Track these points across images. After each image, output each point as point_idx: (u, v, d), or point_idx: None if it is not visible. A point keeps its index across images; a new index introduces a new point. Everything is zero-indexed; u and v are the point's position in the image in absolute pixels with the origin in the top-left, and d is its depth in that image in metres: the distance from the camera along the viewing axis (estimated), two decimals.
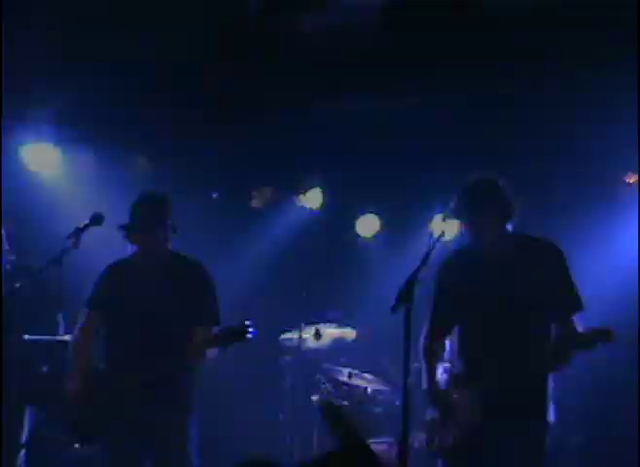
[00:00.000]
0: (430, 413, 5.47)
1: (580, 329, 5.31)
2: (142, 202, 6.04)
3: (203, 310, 5.93)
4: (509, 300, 5.37)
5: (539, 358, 5.28)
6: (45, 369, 6.35)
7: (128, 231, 5.93)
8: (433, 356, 5.58)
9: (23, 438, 6.41)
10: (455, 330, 5.58)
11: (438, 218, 8.75)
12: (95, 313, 5.91)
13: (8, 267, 6.65)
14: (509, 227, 5.43)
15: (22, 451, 6.38)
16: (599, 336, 5.09)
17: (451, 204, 5.43)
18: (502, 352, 5.33)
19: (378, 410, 8.13)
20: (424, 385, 5.53)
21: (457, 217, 5.43)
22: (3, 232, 6.77)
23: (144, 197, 6.10)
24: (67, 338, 6.31)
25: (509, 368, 5.25)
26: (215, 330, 5.78)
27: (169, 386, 5.77)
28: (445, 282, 5.58)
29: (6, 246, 6.77)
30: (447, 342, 5.65)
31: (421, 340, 5.60)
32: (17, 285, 5.75)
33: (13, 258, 6.75)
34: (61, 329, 6.58)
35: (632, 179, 8.56)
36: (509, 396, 5.25)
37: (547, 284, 5.35)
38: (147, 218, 5.94)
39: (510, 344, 5.32)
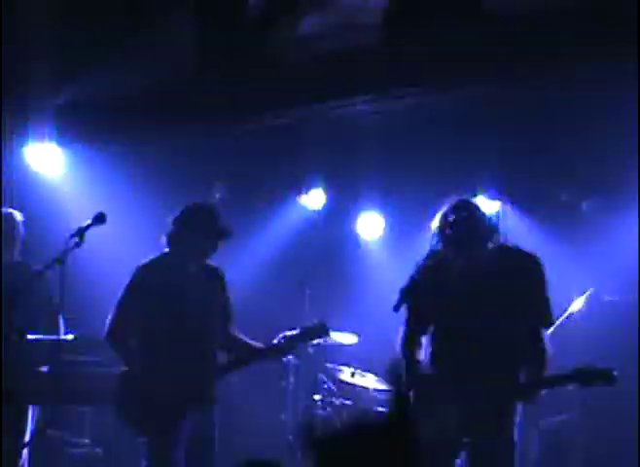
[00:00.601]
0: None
1: (547, 344, 5.33)
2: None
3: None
4: (479, 307, 5.36)
5: (508, 371, 5.29)
6: (45, 369, 6.34)
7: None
8: (412, 354, 5.52)
9: (27, 438, 6.40)
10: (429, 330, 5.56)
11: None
12: None
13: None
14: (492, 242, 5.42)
15: (25, 451, 6.37)
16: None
17: (435, 224, 5.44)
18: (470, 358, 5.32)
19: (381, 409, 8.14)
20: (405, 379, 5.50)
21: (440, 237, 5.42)
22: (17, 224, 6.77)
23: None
24: (69, 337, 6.31)
25: (478, 375, 5.26)
26: (298, 330, 6.08)
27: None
28: (422, 282, 5.47)
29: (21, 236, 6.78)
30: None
31: (398, 339, 5.56)
32: (20, 285, 5.76)
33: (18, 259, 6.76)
34: (62, 329, 6.58)
35: None
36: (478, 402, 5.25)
37: (521, 296, 5.34)
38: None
39: (478, 352, 5.31)
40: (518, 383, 5.29)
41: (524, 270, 5.37)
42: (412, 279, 5.14)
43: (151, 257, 6.12)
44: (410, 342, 5.49)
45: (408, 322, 5.50)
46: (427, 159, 8.65)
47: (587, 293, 7.92)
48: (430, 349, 5.47)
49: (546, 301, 5.36)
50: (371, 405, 8.18)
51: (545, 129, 8.04)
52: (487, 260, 5.37)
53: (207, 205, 6.36)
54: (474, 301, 5.32)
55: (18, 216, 6.76)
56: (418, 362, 5.44)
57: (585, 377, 5.04)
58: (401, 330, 5.54)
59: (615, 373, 5.00)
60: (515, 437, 5.34)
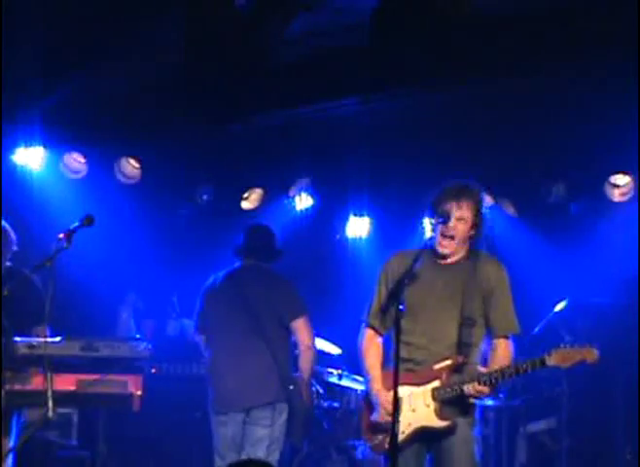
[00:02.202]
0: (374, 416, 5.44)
1: (506, 351, 5.38)
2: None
3: None
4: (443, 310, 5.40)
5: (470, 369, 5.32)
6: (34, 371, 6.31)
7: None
8: (370, 354, 5.55)
9: (10, 443, 6.37)
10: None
11: (428, 219, 8.76)
12: None
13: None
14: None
15: (10, 457, 6.33)
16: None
17: (431, 203, 5.41)
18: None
19: None
20: (365, 386, 5.55)
21: (433, 218, 5.40)
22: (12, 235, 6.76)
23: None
24: (57, 339, 6.29)
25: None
26: None
27: None
28: (391, 281, 5.48)
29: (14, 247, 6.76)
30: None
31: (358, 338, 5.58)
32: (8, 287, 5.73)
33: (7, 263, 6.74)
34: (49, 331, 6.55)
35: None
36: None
37: (487, 301, 5.39)
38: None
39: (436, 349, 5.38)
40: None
41: (493, 276, 5.45)
42: (403, 281, 5.13)
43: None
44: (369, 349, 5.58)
45: (370, 320, 5.58)
46: (415, 160, 8.66)
47: (565, 302, 7.93)
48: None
49: (510, 307, 5.46)
50: (358, 407, 8.18)
51: (533, 131, 8.05)
52: (465, 260, 5.44)
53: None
54: (441, 302, 5.43)
55: (12, 232, 6.76)
56: None
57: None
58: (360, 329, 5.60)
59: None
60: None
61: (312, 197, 9.75)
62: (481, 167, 8.34)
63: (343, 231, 9.96)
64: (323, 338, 8.49)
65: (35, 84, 7.81)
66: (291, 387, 6.78)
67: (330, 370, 8.29)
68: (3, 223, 6.77)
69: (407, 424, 5.32)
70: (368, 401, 5.50)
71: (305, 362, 6.84)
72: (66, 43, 7.76)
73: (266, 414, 6.66)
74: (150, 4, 7.78)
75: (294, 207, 9.77)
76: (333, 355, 8.55)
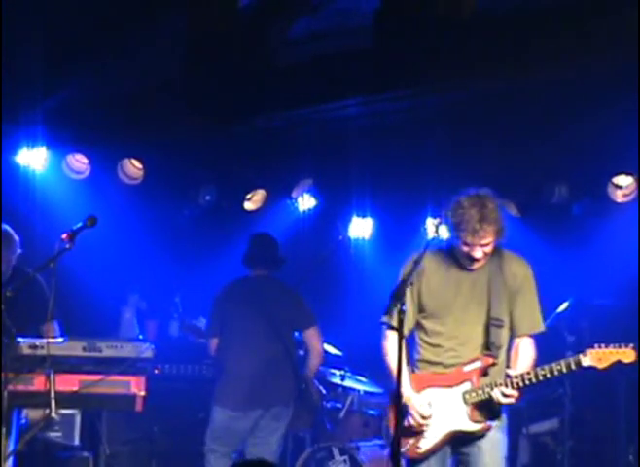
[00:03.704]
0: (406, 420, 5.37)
1: (530, 350, 5.37)
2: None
3: None
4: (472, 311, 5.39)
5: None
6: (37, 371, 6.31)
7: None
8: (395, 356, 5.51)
9: (11, 444, 6.36)
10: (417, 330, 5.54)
11: (431, 220, 8.76)
12: None
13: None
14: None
15: (11, 458, 6.33)
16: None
17: (447, 215, 5.33)
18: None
19: (371, 412, 8.14)
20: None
21: (455, 233, 5.31)
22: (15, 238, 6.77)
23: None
24: (60, 340, 6.29)
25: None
26: None
27: None
28: (416, 281, 5.39)
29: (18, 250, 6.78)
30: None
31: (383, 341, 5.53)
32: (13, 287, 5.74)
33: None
34: (57, 332, 6.56)
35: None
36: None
37: (513, 299, 5.38)
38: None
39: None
40: None
41: (521, 277, 5.44)
42: (405, 282, 5.11)
43: None
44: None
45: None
46: (418, 161, 8.66)
47: (567, 303, 7.92)
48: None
49: (536, 305, 5.45)
50: (361, 408, 8.18)
51: (536, 131, 8.04)
52: (489, 263, 5.42)
53: None
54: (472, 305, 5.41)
55: (14, 235, 6.77)
56: None
57: None
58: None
59: None
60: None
61: (315, 198, 9.75)
62: (484, 168, 8.34)
63: (346, 232, 9.95)
64: (325, 338, 8.51)
65: (38, 84, 7.81)
66: (303, 386, 7.60)
67: (332, 370, 8.29)
68: (6, 226, 6.78)
69: (439, 428, 5.31)
70: (396, 404, 5.28)
71: (315, 365, 7.58)
72: (69, 43, 7.77)
73: (285, 411, 7.37)
74: (153, 5, 7.79)
75: (296, 208, 9.77)
76: (335, 356, 8.55)
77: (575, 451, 8.26)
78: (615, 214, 8.44)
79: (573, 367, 5.13)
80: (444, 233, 5.46)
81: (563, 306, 7.84)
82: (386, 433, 7.74)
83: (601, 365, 5.11)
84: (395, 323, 5.21)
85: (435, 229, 5.50)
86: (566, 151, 8.24)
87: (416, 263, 5.19)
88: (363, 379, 8.33)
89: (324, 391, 8.22)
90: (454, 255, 5.42)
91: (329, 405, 8.22)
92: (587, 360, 5.09)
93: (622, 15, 6.11)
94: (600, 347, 5.11)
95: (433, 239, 5.43)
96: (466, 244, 5.26)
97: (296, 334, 7.59)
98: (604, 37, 6.26)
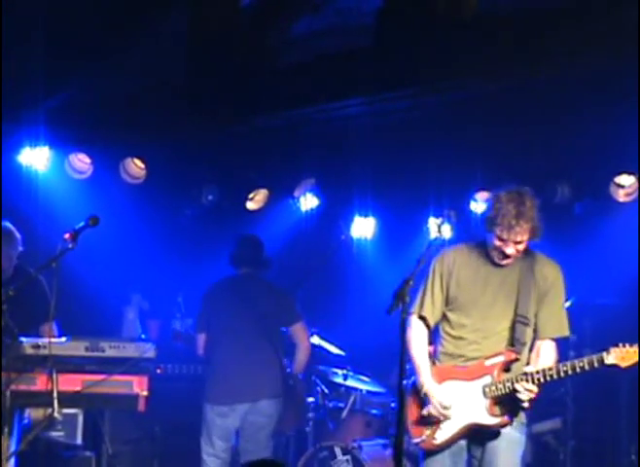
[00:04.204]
0: (426, 409, 5.41)
1: (553, 352, 5.37)
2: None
3: None
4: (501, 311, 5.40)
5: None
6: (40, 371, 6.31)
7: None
8: (418, 346, 5.51)
9: (13, 444, 6.36)
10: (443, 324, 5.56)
11: (433, 220, 8.76)
12: None
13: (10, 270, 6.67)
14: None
15: (13, 458, 6.33)
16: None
17: (488, 212, 5.34)
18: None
19: (374, 411, 8.14)
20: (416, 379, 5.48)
21: (489, 227, 5.32)
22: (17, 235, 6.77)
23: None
24: (63, 340, 6.29)
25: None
26: None
27: None
28: (446, 273, 5.49)
29: (19, 248, 6.78)
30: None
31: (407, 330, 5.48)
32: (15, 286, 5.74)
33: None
34: (55, 333, 6.56)
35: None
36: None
37: (540, 301, 5.39)
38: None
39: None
40: None
41: (551, 279, 5.50)
42: (408, 281, 5.11)
43: None
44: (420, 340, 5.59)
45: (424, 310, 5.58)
46: (420, 160, 8.66)
47: (569, 302, 7.92)
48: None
49: (562, 309, 5.50)
50: (363, 407, 8.18)
51: (538, 131, 8.04)
52: (521, 263, 5.45)
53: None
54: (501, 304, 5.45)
55: (16, 232, 6.77)
56: None
57: None
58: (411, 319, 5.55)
59: None
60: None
61: (317, 197, 9.76)
62: (486, 167, 8.35)
63: (348, 231, 9.96)
64: (327, 337, 8.51)
65: (40, 84, 7.81)
66: (291, 382, 7.82)
67: (335, 370, 8.30)
68: (7, 224, 6.78)
69: (456, 420, 5.32)
70: (415, 394, 5.43)
71: (302, 360, 7.74)
72: (71, 43, 7.76)
73: (272, 406, 7.46)
74: (154, 4, 7.79)
75: (299, 208, 9.78)
76: (338, 355, 8.56)
77: (577, 451, 8.26)
78: (617, 213, 8.44)
79: (595, 364, 5.11)
80: (447, 232, 5.46)
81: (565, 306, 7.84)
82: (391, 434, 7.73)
83: (624, 364, 5.10)
84: (424, 313, 5.41)
85: (437, 228, 5.49)
86: (568, 150, 8.24)
87: (417, 263, 5.18)
88: (365, 379, 8.33)
89: (326, 390, 8.23)
90: (485, 250, 5.45)
91: (331, 404, 8.23)
92: (611, 358, 5.09)
93: (623, 15, 6.09)
94: (624, 346, 5.11)
95: (435, 239, 5.42)
96: (500, 239, 5.29)
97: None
98: (604, 37, 6.24)
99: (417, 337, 5.49)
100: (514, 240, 5.27)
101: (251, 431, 7.49)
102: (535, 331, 5.44)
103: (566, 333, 5.48)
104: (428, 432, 5.39)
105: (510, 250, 5.30)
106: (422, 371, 5.44)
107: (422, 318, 5.52)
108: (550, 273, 5.46)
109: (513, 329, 5.38)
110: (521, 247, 5.33)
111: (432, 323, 5.51)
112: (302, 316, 7.69)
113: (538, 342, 5.43)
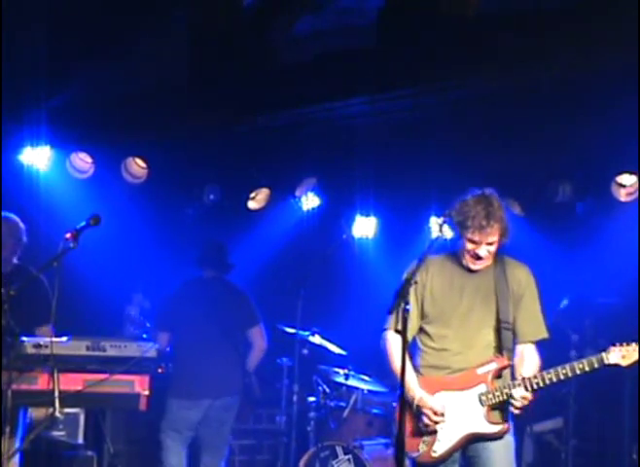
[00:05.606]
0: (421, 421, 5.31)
1: (536, 355, 5.33)
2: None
3: None
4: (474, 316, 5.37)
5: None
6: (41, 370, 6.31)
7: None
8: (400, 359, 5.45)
9: (17, 442, 6.36)
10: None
11: (435, 219, 8.76)
12: None
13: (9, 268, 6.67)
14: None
15: (17, 456, 6.33)
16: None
17: (452, 215, 5.28)
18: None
19: (375, 411, 8.14)
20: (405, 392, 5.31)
21: (460, 232, 5.29)
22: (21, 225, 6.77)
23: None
24: (64, 339, 6.30)
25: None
26: None
27: None
28: (420, 286, 5.38)
29: (24, 238, 6.78)
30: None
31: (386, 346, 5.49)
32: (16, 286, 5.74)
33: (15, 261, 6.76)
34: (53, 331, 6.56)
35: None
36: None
37: (516, 306, 5.35)
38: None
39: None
40: None
41: (524, 283, 5.42)
42: (410, 280, 5.08)
43: None
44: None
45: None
46: (422, 160, 8.66)
47: (565, 301, 7.93)
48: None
49: (538, 312, 5.44)
50: (364, 407, 8.18)
51: (539, 130, 8.04)
52: (493, 267, 5.40)
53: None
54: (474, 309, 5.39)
55: (19, 223, 6.77)
56: None
57: None
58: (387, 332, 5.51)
59: None
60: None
61: (319, 197, 9.75)
62: (487, 167, 8.34)
63: (350, 230, 9.95)
64: (328, 337, 8.51)
65: (42, 84, 7.82)
66: (246, 380, 8.26)
67: (336, 369, 8.30)
68: (11, 215, 6.78)
69: (455, 432, 5.25)
70: (405, 408, 5.00)
71: (256, 360, 8.16)
72: (72, 43, 7.77)
73: (234, 402, 7.96)
74: (156, 4, 7.80)
75: (300, 207, 9.78)
76: (339, 355, 8.56)
77: (579, 450, 8.26)
78: (618, 213, 8.43)
79: (596, 365, 5.10)
80: (448, 232, 5.44)
81: (562, 304, 7.86)
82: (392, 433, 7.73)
83: (625, 362, 5.07)
84: (399, 326, 5.05)
85: (439, 228, 5.46)
86: (570, 150, 8.24)
87: (417, 266, 5.15)
88: (366, 378, 8.32)
89: (328, 390, 8.23)
90: (457, 259, 5.41)
91: (332, 404, 8.23)
92: (611, 358, 5.06)
93: (623, 15, 6.10)
94: (623, 345, 5.09)
95: (437, 238, 5.39)
96: (472, 242, 5.25)
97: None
98: (605, 37, 6.25)
99: (398, 351, 5.24)
100: (485, 241, 5.24)
101: (214, 425, 7.90)
102: (514, 335, 5.40)
103: (545, 335, 5.42)
104: (424, 446, 5.30)
105: (482, 252, 5.27)
106: (410, 382, 5.28)
107: (398, 332, 5.38)
108: (522, 276, 5.41)
109: (498, 336, 5.34)
110: (493, 249, 5.29)
111: (409, 337, 5.28)
112: (261, 318, 8.09)
113: (519, 347, 5.38)
